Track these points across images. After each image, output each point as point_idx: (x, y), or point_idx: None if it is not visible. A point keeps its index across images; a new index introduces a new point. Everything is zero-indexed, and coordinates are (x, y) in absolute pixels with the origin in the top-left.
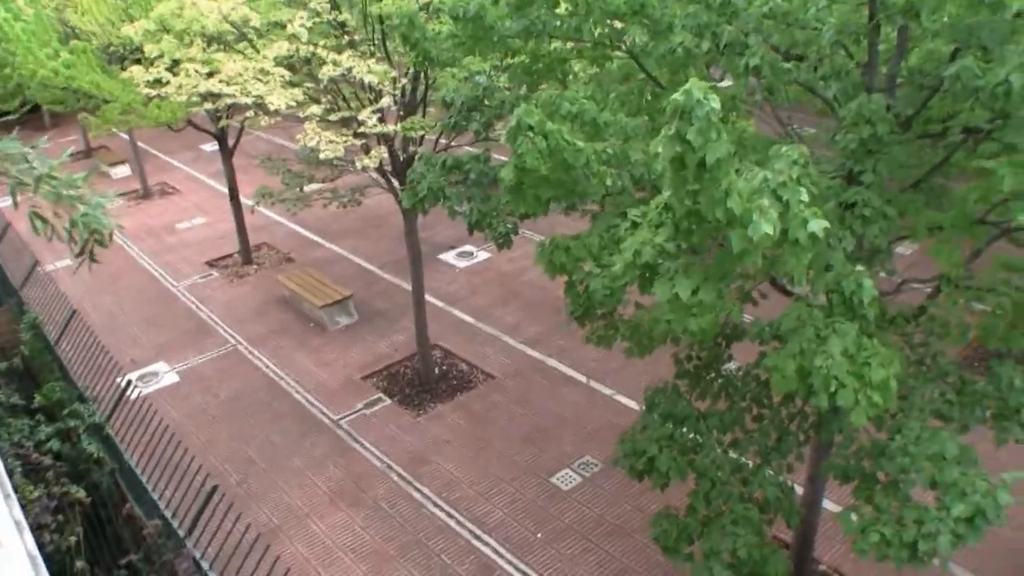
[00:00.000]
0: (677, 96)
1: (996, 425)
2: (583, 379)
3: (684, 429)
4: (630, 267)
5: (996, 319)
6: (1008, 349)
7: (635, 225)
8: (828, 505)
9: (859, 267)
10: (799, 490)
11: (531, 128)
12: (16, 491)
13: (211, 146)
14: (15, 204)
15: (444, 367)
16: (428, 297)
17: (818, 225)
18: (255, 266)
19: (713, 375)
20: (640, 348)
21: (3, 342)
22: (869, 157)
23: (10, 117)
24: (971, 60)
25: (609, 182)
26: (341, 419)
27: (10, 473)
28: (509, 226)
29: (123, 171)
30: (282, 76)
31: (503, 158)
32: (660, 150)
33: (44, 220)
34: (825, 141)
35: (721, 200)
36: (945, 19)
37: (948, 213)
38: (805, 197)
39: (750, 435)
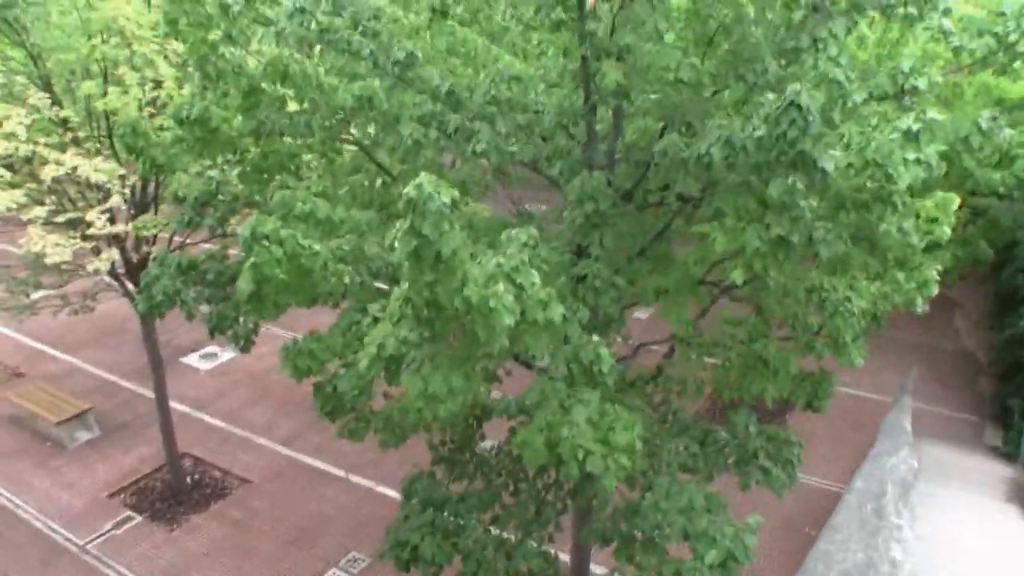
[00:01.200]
0: (409, 191)
1: (738, 470)
2: (343, 474)
3: (444, 513)
4: (375, 361)
5: (727, 371)
6: (741, 398)
7: (376, 320)
8: (596, 569)
9: (595, 337)
10: (566, 558)
11: (266, 237)
12: None
13: None
14: None
15: (196, 476)
16: (174, 404)
17: (556, 311)
18: None
19: (468, 456)
20: (394, 438)
21: None
22: (595, 231)
23: None
24: (676, 136)
25: (347, 279)
26: (88, 543)
27: None
28: (250, 327)
29: None
30: (0, 177)
31: (241, 253)
32: (397, 244)
33: None
34: (554, 217)
35: (458, 289)
36: (653, 98)
37: (672, 277)
38: (537, 279)
39: (509, 510)
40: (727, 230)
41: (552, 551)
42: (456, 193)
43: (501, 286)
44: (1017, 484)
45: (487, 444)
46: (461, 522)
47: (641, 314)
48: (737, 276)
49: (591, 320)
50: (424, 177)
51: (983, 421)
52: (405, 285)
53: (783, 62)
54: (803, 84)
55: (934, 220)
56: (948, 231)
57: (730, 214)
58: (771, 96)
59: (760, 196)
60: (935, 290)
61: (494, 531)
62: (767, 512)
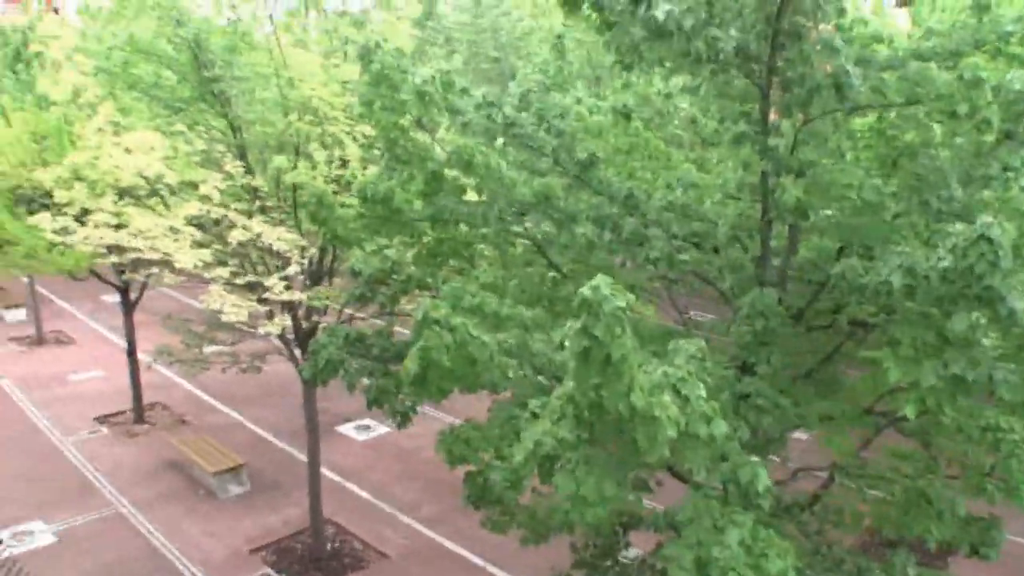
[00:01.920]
0: (585, 291)
1: None
2: (480, 562)
3: None
4: (530, 458)
5: (888, 507)
6: (901, 536)
7: (535, 416)
8: None
9: (754, 457)
10: None
11: (437, 322)
12: None
13: (112, 297)
14: None
15: (337, 544)
16: (324, 470)
17: (719, 427)
18: (147, 425)
19: (610, 563)
20: (536, 537)
21: None
22: (763, 349)
23: None
24: (855, 260)
25: (511, 373)
26: None
27: None
28: (408, 404)
29: (18, 315)
30: (191, 235)
31: (405, 331)
32: (567, 343)
33: None
34: (720, 330)
35: (624, 394)
36: (831, 217)
37: (838, 404)
38: (703, 393)
39: None
40: (902, 362)
41: None
42: (632, 297)
43: (667, 396)
44: None
45: (631, 553)
46: None
47: (801, 434)
48: (910, 411)
49: (751, 439)
50: (601, 279)
51: None
52: (570, 384)
53: (970, 189)
54: (996, 217)
55: None
56: None
57: (906, 345)
58: (959, 227)
59: (940, 330)
60: None
61: None
62: None
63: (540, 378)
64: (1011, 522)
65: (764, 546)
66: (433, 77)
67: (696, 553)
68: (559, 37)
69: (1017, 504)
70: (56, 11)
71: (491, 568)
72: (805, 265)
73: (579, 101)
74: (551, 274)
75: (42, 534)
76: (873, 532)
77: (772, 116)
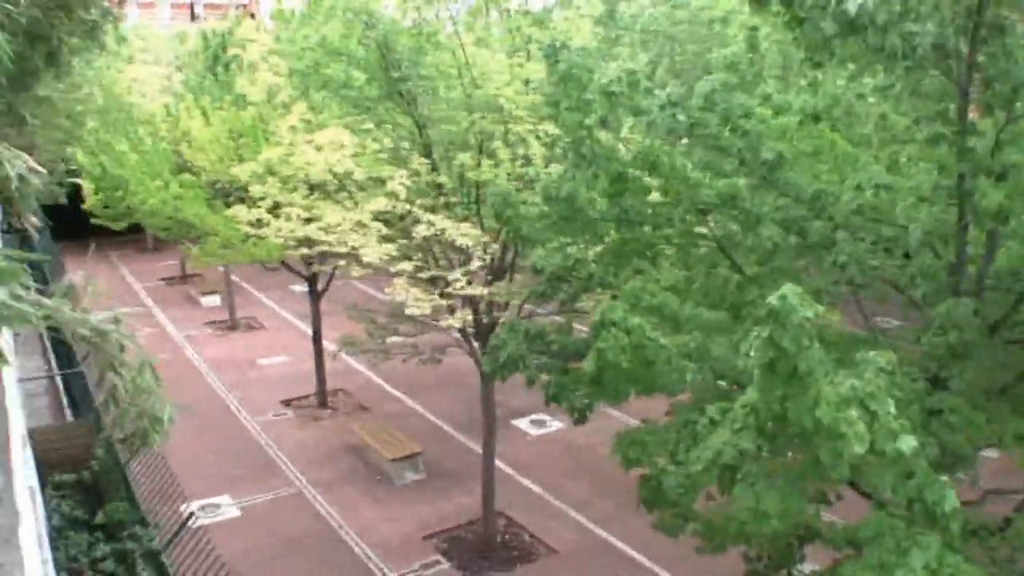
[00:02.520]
0: (772, 300)
1: None
2: (647, 562)
3: None
4: (710, 467)
5: None
6: None
7: (713, 423)
8: None
9: (943, 476)
10: None
11: (614, 324)
12: None
13: (301, 287)
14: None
15: (506, 536)
16: (497, 462)
17: (908, 444)
18: (330, 410)
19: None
20: (711, 545)
21: (76, 454)
22: (957, 362)
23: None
24: None
25: (689, 376)
26: None
27: None
28: (586, 401)
29: (214, 301)
30: (378, 230)
31: (585, 328)
32: (752, 352)
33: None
34: (909, 338)
35: (810, 408)
36: None
37: None
38: (892, 409)
39: None
40: None
41: None
42: (820, 308)
43: (854, 411)
44: None
45: (806, 568)
46: None
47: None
48: None
49: (939, 457)
50: (788, 288)
51: None
52: (753, 394)
53: None
54: None
55: None
56: None
57: None
58: None
59: None
60: None
61: None
62: None
63: (720, 383)
64: None
65: (951, 572)
66: (619, 77)
67: (877, 575)
68: (753, 29)
69: None
70: (252, 16)
71: (659, 570)
72: (1004, 274)
73: (768, 98)
74: (735, 277)
75: (228, 508)
76: None
77: (971, 115)
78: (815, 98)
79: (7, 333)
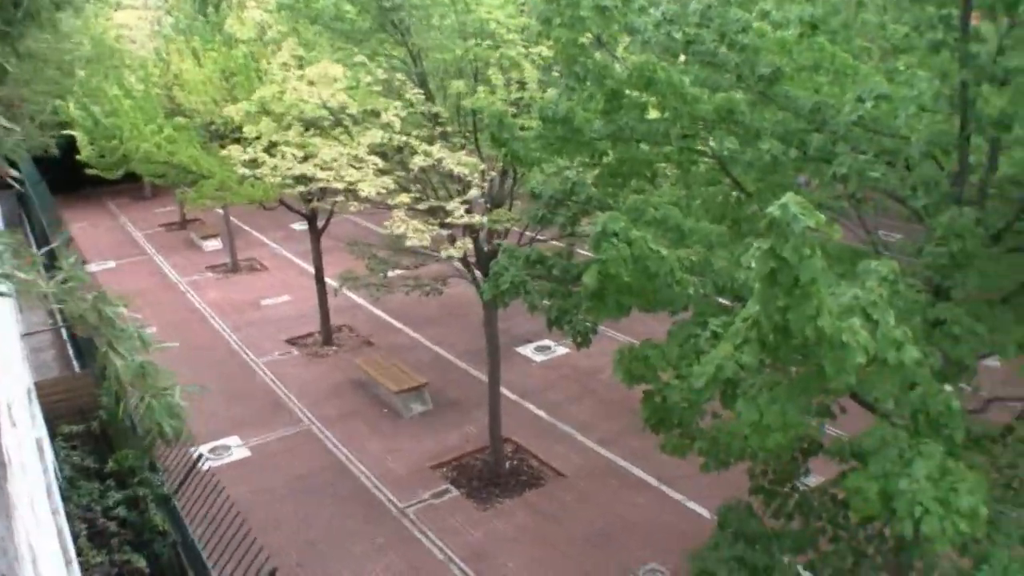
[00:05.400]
0: (773, 210)
1: None
2: (655, 482)
3: (756, 548)
4: (711, 382)
5: None
6: None
7: (716, 336)
8: None
9: (946, 386)
10: None
11: (615, 235)
12: (80, 555)
13: (301, 226)
14: None
15: (514, 462)
16: (503, 390)
17: (910, 354)
18: (334, 347)
19: (789, 490)
20: (716, 463)
21: (84, 405)
22: (958, 271)
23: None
24: None
25: (691, 290)
26: (407, 508)
27: (75, 536)
28: (588, 324)
29: (214, 244)
30: (374, 164)
31: (586, 253)
32: (752, 264)
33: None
34: (911, 250)
35: (812, 318)
36: None
37: None
38: (893, 318)
39: (825, 557)
40: None
41: None
42: (821, 218)
43: (856, 320)
44: None
45: (810, 481)
46: (773, 561)
47: (994, 362)
48: None
49: (942, 367)
50: (789, 197)
51: None
52: (755, 307)
53: None
54: None
55: None
56: None
57: None
58: None
59: None
60: None
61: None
62: None
63: (721, 300)
64: None
65: (954, 480)
66: None
67: (881, 485)
68: None
69: None
70: None
71: (666, 488)
72: (1006, 182)
73: (766, 15)
74: (735, 193)
75: (238, 448)
76: None
77: (973, 21)
78: (813, 7)
79: (10, 291)
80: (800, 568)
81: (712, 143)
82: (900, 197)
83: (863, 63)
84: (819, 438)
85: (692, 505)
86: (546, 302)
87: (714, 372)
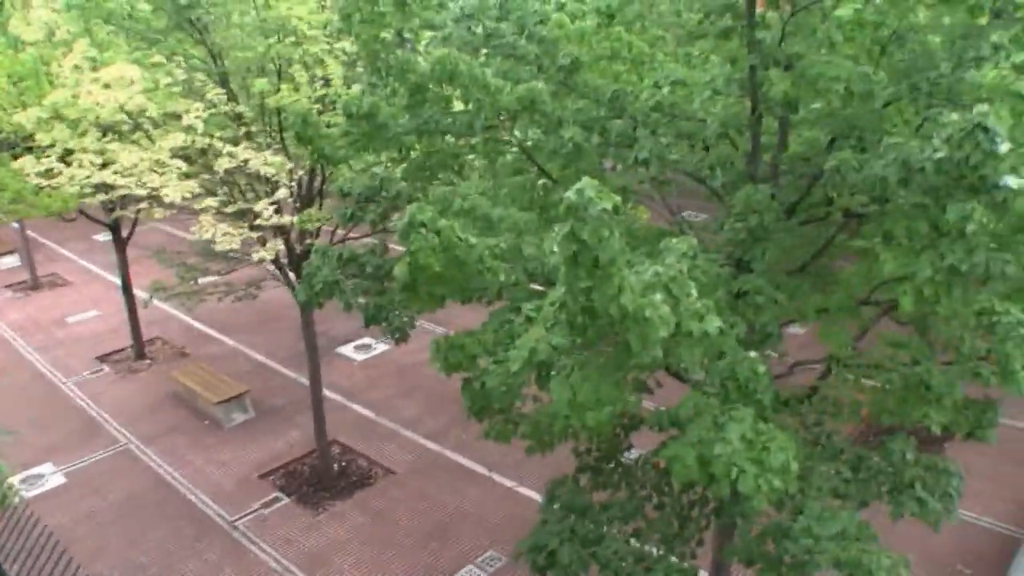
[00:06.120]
0: (570, 195)
1: (891, 500)
2: (486, 472)
3: (586, 521)
4: (526, 365)
5: (885, 395)
6: (900, 424)
7: (529, 320)
8: None
9: (752, 353)
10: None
11: (423, 225)
12: None
13: (104, 236)
14: None
15: (343, 463)
16: (326, 392)
17: (712, 324)
18: (148, 361)
19: (613, 465)
20: (540, 444)
21: None
22: (757, 244)
23: None
24: (848, 153)
25: (503, 277)
26: (237, 520)
27: None
28: (405, 319)
29: (11, 261)
30: (178, 167)
31: (400, 249)
32: (555, 248)
33: None
34: (713, 228)
35: (614, 297)
36: (821, 109)
37: (833, 296)
38: (694, 292)
39: (652, 524)
40: (897, 254)
41: (693, 567)
42: (618, 200)
43: (658, 296)
44: None
45: (634, 455)
46: (602, 531)
47: (797, 329)
48: (906, 304)
49: (747, 335)
50: (586, 182)
51: None
52: (561, 289)
53: (959, 72)
54: (993, 105)
55: None
56: None
57: (900, 237)
58: (954, 116)
59: (934, 221)
60: None
61: (634, 543)
62: (910, 545)
63: (534, 284)
64: (1007, 406)
65: (765, 440)
66: None
67: (698, 451)
68: None
69: (1011, 389)
70: None
71: (496, 476)
72: (796, 159)
73: (563, 6)
74: (541, 181)
75: (52, 476)
76: (870, 422)
77: (759, 8)
78: None
79: None
80: (629, 536)
81: (516, 133)
82: (700, 177)
83: (660, 51)
84: (639, 413)
85: (523, 490)
86: (361, 300)
87: (528, 355)
